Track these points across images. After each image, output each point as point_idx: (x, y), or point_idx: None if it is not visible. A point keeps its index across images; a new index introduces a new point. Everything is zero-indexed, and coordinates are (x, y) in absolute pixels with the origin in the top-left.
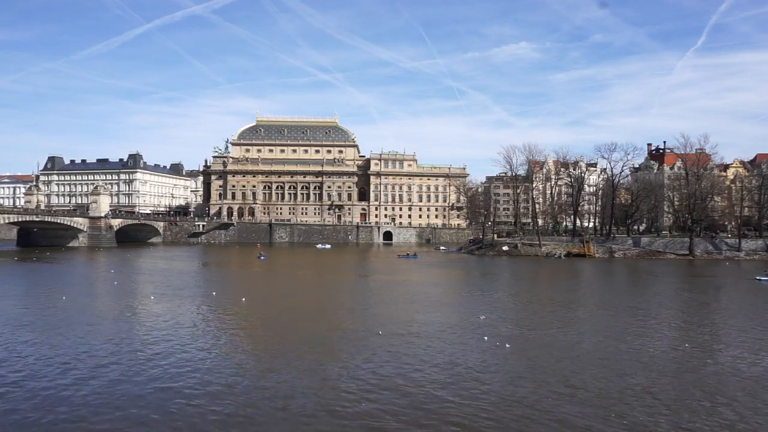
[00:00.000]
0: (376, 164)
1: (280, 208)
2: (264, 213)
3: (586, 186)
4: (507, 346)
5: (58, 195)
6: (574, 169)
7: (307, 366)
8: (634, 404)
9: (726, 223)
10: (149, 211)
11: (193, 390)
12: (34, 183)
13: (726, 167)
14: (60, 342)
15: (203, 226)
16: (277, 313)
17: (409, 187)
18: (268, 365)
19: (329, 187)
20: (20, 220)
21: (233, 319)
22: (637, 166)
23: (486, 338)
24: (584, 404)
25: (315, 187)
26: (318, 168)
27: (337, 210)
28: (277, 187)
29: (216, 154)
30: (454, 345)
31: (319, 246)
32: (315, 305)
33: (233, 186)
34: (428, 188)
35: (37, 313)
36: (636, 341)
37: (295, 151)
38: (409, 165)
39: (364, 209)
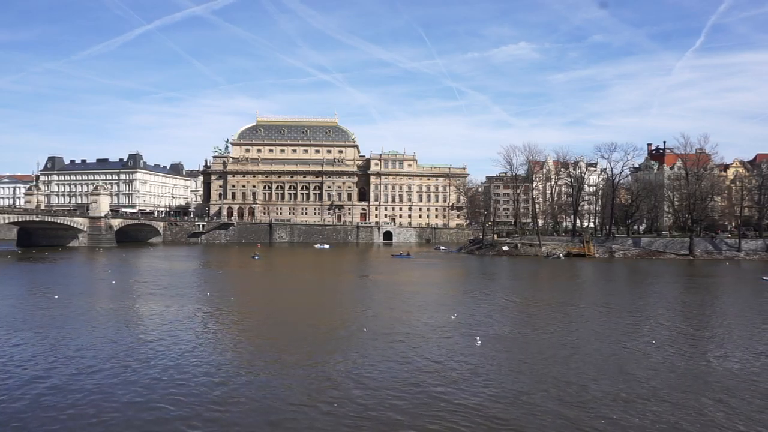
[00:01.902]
0: (376, 164)
1: (280, 208)
2: (264, 213)
3: (586, 186)
4: (478, 342)
5: (58, 195)
6: (574, 169)
7: (285, 362)
8: (599, 404)
9: (726, 223)
10: (149, 211)
11: (171, 387)
12: (34, 183)
13: (726, 167)
14: (43, 340)
15: (203, 226)
16: (263, 313)
17: (409, 187)
18: (246, 363)
19: (329, 187)
20: (20, 220)
21: (220, 319)
22: (637, 166)
23: (478, 338)
24: (546, 402)
25: (315, 187)
26: (318, 168)
27: (337, 210)
28: (277, 187)
29: (216, 154)
30: (430, 343)
31: (318, 246)
32: (303, 305)
33: (233, 186)
34: (428, 188)
35: (25, 313)
36: (623, 341)
37: (295, 151)
38: (409, 165)
39: (364, 209)
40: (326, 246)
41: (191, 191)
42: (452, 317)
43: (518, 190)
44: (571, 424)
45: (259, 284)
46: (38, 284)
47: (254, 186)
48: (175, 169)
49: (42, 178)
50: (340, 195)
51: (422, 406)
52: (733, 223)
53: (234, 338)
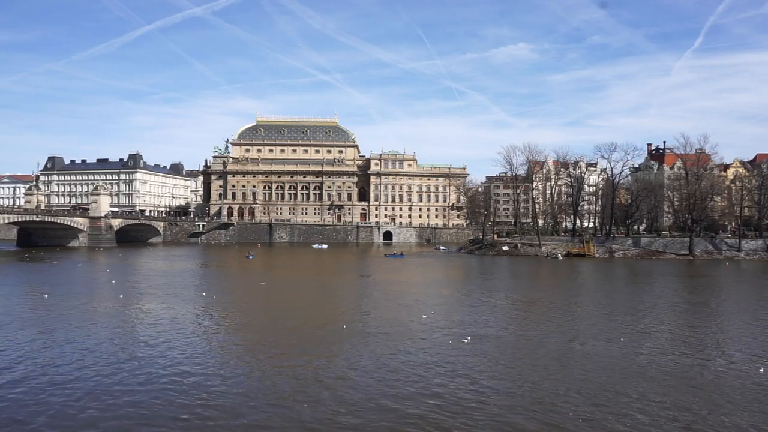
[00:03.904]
0: (376, 164)
1: (280, 208)
2: (264, 213)
3: (586, 186)
4: (465, 341)
5: (58, 195)
6: (574, 169)
7: (260, 362)
8: (554, 400)
9: (726, 223)
10: (149, 211)
11: (148, 384)
12: (34, 183)
13: (726, 167)
14: (22, 339)
15: (203, 226)
16: (247, 313)
17: (409, 187)
18: (222, 362)
19: (329, 187)
20: (20, 220)
21: (207, 319)
22: (637, 166)
23: (469, 338)
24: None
25: (315, 187)
26: (318, 168)
27: (337, 210)
28: (277, 187)
29: (216, 154)
30: (408, 341)
31: (316, 246)
32: (289, 304)
33: (233, 186)
34: (428, 188)
35: (9, 312)
36: (603, 342)
37: (295, 151)
38: (409, 165)
39: (364, 209)
40: (324, 246)
41: (191, 191)
42: (424, 317)
43: (518, 190)
44: (537, 423)
45: (247, 284)
46: (32, 284)
47: (254, 186)
48: (175, 169)
49: (42, 178)
50: (340, 195)
51: (389, 404)
52: (733, 223)
53: (217, 337)
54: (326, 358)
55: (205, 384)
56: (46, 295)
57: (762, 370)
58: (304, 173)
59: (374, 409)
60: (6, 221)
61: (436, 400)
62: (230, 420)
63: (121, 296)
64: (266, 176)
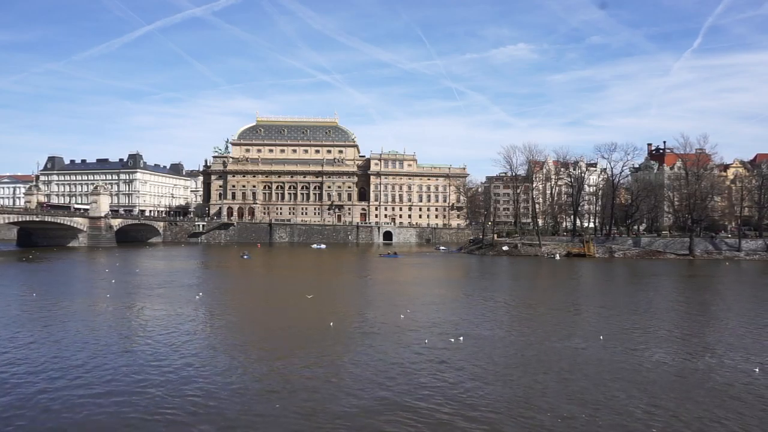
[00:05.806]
0: (376, 164)
1: (280, 208)
2: (264, 213)
3: (586, 186)
4: (452, 340)
5: (58, 195)
6: (574, 169)
7: (239, 356)
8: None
9: (726, 223)
10: (149, 211)
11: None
12: (34, 183)
13: (726, 167)
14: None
15: (203, 226)
16: (236, 312)
17: (409, 187)
18: (209, 361)
19: (329, 187)
20: (20, 220)
21: (198, 317)
22: (637, 166)
23: (461, 338)
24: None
25: (315, 187)
26: (318, 168)
27: (337, 210)
28: (277, 187)
29: (216, 154)
30: (391, 340)
31: (315, 246)
32: (279, 304)
33: (233, 186)
34: (428, 188)
35: None
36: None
37: (295, 151)
38: (409, 165)
39: (364, 209)
40: (322, 246)
41: (191, 191)
42: (401, 317)
43: (518, 190)
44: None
45: (241, 284)
46: (27, 284)
47: (254, 186)
48: (175, 169)
49: (42, 178)
50: (340, 195)
51: (367, 402)
52: (733, 223)
53: (207, 335)
54: (311, 358)
55: (193, 381)
56: (35, 294)
57: (757, 370)
58: (304, 173)
59: (351, 406)
60: (6, 221)
61: (414, 397)
62: (217, 415)
63: (108, 295)
64: (266, 176)
